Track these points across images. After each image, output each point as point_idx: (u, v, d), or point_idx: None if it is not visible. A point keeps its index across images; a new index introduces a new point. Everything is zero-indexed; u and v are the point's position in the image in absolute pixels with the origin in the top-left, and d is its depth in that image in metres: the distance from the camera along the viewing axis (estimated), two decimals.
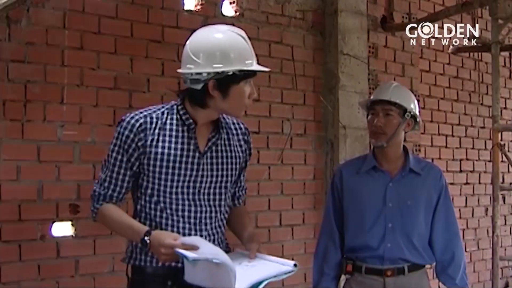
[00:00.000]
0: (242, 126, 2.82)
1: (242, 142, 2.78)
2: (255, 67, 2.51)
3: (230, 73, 2.45)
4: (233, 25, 4.65)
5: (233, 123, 2.78)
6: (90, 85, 4.03)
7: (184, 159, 2.56)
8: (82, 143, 3.98)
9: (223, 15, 4.75)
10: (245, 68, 2.46)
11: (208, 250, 2.35)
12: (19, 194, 3.75)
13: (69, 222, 3.93)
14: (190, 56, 2.50)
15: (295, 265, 2.47)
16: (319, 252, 3.49)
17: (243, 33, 2.57)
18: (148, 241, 2.42)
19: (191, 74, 2.48)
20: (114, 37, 4.16)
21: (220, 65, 2.44)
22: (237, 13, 4.84)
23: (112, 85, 4.13)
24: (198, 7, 4.61)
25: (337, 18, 5.34)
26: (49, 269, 3.84)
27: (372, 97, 3.43)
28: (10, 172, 3.72)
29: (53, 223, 3.87)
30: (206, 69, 2.45)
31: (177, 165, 2.54)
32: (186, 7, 4.55)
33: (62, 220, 3.90)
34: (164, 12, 4.41)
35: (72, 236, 3.94)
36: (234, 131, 2.77)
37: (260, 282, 2.37)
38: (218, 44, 2.48)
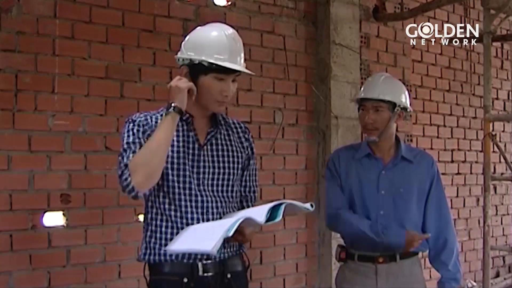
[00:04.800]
0: (242, 125, 2.90)
1: (243, 139, 2.84)
2: (226, 64, 2.55)
3: (196, 62, 2.56)
4: (225, 14, 4.72)
5: (233, 122, 2.85)
6: (81, 74, 4.02)
7: (185, 150, 2.63)
8: (74, 133, 3.97)
9: (215, 5, 4.73)
10: (210, 61, 2.54)
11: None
12: (10, 184, 3.75)
13: (61, 212, 3.93)
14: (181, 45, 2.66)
15: (311, 205, 2.54)
16: (332, 212, 3.38)
17: (232, 33, 2.64)
18: (171, 104, 2.51)
19: (176, 60, 2.65)
20: (106, 27, 4.14)
21: (192, 53, 2.58)
22: (229, 3, 4.82)
23: (103, 75, 4.12)
24: None
25: (329, 8, 5.34)
26: (40, 259, 3.84)
27: (362, 93, 3.43)
28: (1, 162, 3.71)
29: (44, 213, 3.87)
30: (182, 55, 2.62)
31: (181, 155, 2.61)
32: None
33: (53, 210, 3.90)
34: (155, 2, 4.39)
35: (63, 226, 3.94)
36: (234, 129, 2.83)
37: (279, 206, 2.42)
38: (197, 35, 2.65)
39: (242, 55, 2.65)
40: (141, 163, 2.46)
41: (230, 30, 2.64)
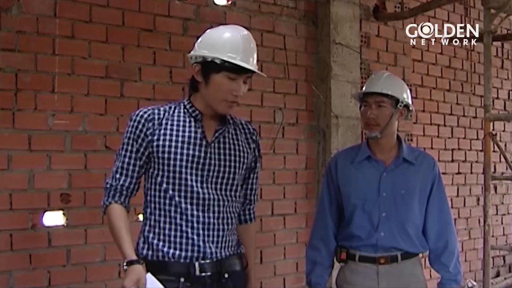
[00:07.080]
0: (250, 126, 2.91)
1: (250, 140, 2.85)
2: (240, 62, 2.55)
3: (209, 59, 2.55)
4: (225, 14, 4.71)
5: (241, 123, 2.87)
6: (81, 74, 4.02)
7: (191, 146, 2.63)
8: (74, 132, 3.97)
9: (215, 4, 4.73)
10: (223, 58, 2.53)
11: None
12: (10, 183, 3.74)
13: (61, 212, 3.93)
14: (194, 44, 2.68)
15: None
16: (313, 242, 3.49)
17: (247, 34, 2.65)
18: (125, 269, 2.53)
19: (189, 58, 2.65)
20: (106, 26, 4.14)
21: (205, 51, 2.58)
22: (229, 2, 4.81)
23: (103, 74, 4.12)
24: None
25: (329, 7, 5.34)
26: (40, 259, 3.84)
27: (364, 89, 3.42)
28: (1, 161, 3.71)
29: (44, 212, 3.87)
30: (195, 53, 2.62)
31: (184, 151, 2.61)
32: None
33: (53, 209, 3.90)
34: (155, 1, 4.39)
35: (63, 225, 3.94)
36: (242, 130, 2.85)
37: None
38: (212, 34, 2.65)
39: (255, 56, 2.65)
40: (108, 224, 2.68)
41: (245, 32, 2.66)
